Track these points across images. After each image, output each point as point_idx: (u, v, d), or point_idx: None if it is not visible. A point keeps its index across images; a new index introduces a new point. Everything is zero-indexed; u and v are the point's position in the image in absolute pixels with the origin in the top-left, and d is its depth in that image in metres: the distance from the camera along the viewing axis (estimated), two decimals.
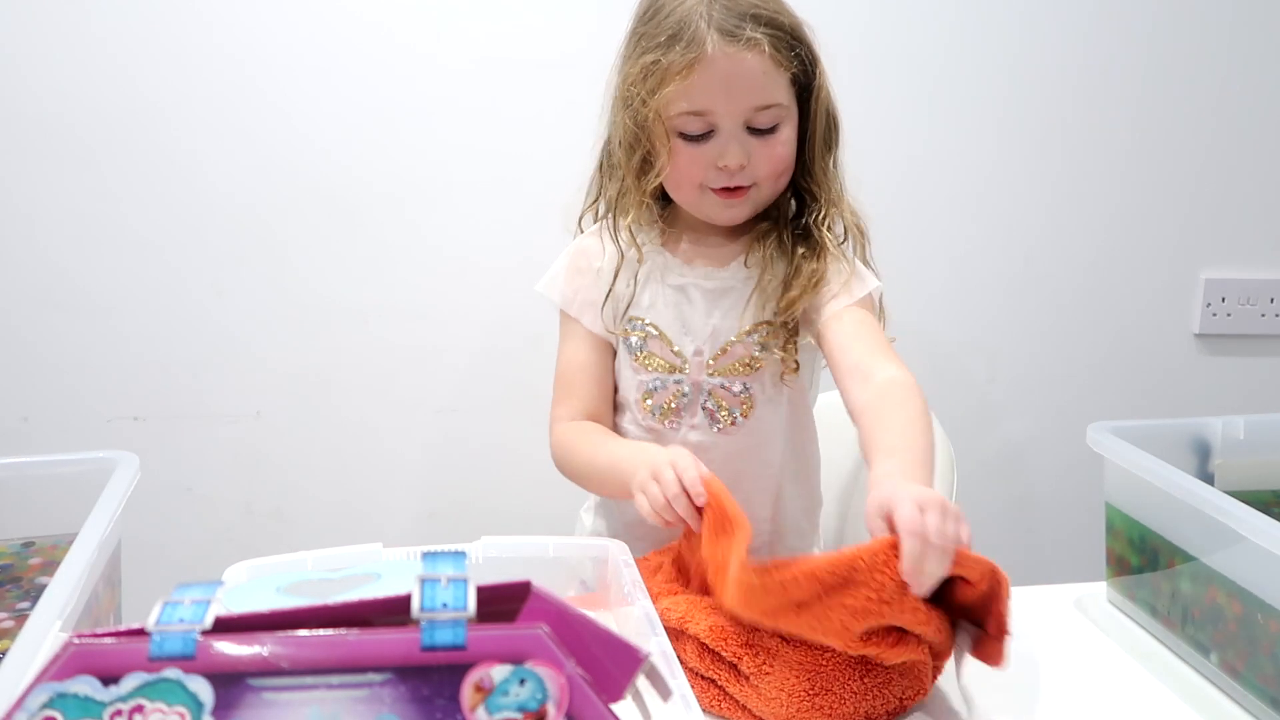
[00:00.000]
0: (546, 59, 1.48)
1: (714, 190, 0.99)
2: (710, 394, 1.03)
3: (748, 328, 1.02)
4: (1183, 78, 1.63)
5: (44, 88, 1.40)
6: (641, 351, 1.03)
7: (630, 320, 1.04)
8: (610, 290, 1.04)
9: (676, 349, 1.03)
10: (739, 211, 1.01)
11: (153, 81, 1.42)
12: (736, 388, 1.03)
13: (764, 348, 1.02)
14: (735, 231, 1.06)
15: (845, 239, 1.04)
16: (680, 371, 1.03)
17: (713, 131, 0.96)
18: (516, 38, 1.48)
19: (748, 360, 1.02)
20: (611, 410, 1.08)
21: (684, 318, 1.03)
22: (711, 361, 1.03)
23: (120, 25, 1.40)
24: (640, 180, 0.99)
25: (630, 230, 1.02)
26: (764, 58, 0.94)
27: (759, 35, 0.93)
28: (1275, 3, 1.63)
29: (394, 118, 1.48)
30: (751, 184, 0.99)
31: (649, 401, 1.04)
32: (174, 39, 1.42)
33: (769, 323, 1.02)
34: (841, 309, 0.99)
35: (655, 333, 1.03)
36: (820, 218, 1.01)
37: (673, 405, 1.03)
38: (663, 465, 0.84)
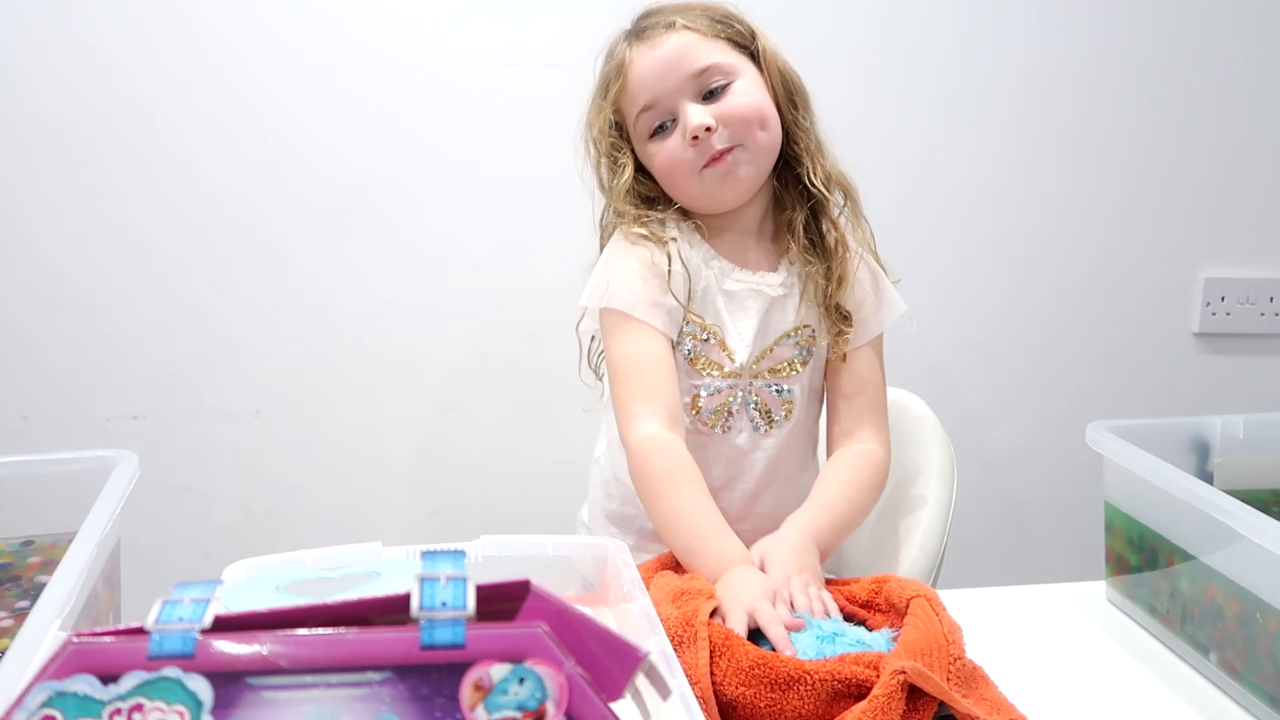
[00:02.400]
0: (544, 61, 1.48)
1: (704, 169, 1.00)
2: (757, 397, 1.04)
3: (790, 330, 1.04)
4: (1182, 77, 1.63)
5: (42, 87, 1.40)
6: (698, 357, 1.03)
7: (688, 323, 1.03)
8: (673, 285, 1.01)
9: (731, 353, 1.03)
10: (738, 183, 1.01)
11: (151, 81, 1.42)
12: (779, 390, 1.04)
13: (805, 350, 1.05)
14: (770, 231, 1.08)
15: (844, 204, 1.06)
16: (732, 377, 1.03)
17: (673, 119, 1.00)
18: (515, 39, 1.48)
19: (789, 362, 1.04)
20: (681, 404, 1.04)
21: (737, 322, 1.03)
22: (755, 364, 1.04)
23: (120, 25, 1.40)
24: (614, 178, 1.04)
25: (674, 240, 1.02)
26: (682, 33, 1.00)
27: (671, 20, 1.00)
28: (1274, 3, 1.63)
29: (393, 117, 1.48)
30: (734, 145, 0.99)
31: (700, 405, 1.04)
32: (173, 38, 1.41)
33: (808, 325, 1.05)
34: (860, 348, 1.06)
35: (711, 338, 1.03)
36: (811, 174, 1.03)
37: (724, 409, 1.04)
38: (764, 618, 0.78)
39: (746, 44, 1.02)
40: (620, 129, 1.05)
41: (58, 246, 1.45)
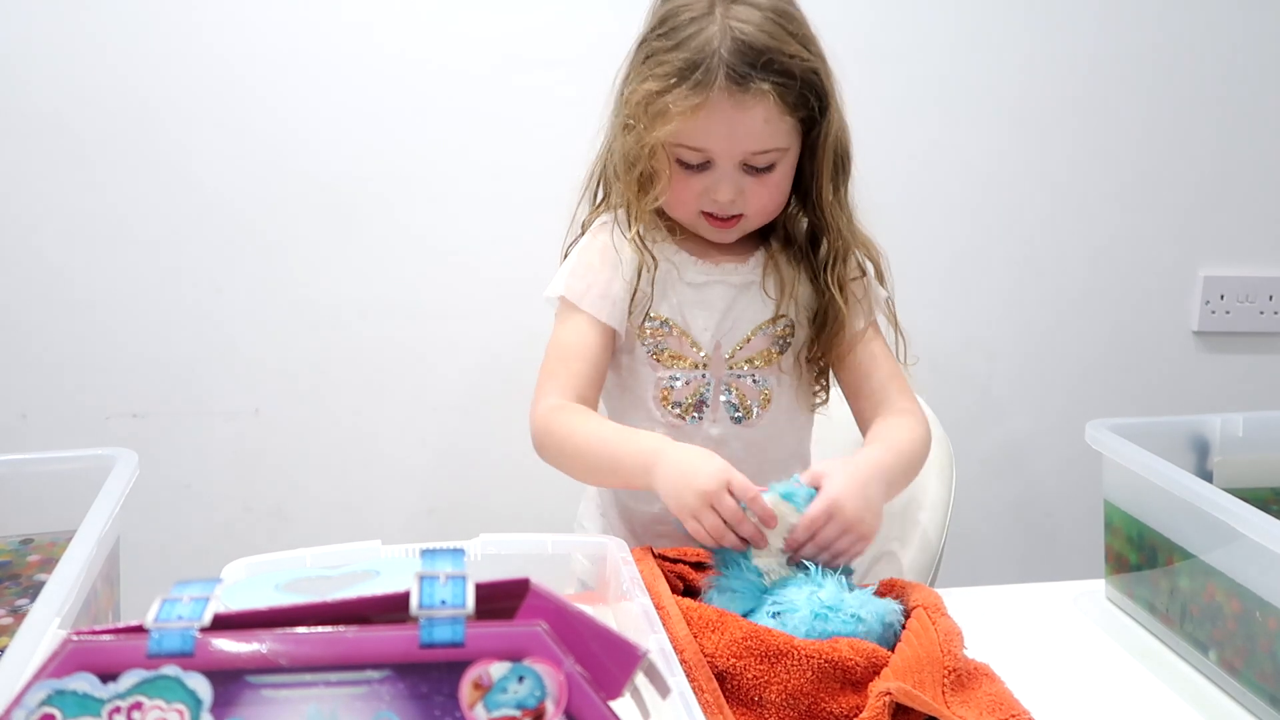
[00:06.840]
0: (546, 59, 1.48)
1: (705, 215, 1.00)
2: (730, 387, 1.04)
3: (767, 320, 1.04)
4: (1182, 76, 1.63)
5: (42, 85, 1.40)
6: (662, 350, 1.04)
7: (649, 319, 1.03)
8: (636, 291, 1.03)
9: (696, 343, 1.03)
10: (730, 235, 1.03)
11: (152, 80, 1.42)
12: (755, 380, 1.04)
13: (783, 341, 1.05)
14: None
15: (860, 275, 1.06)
16: (702, 367, 1.03)
17: (709, 163, 0.97)
18: (516, 37, 1.48)
19: (766, 353, 1.04)
20: (598, 399, 1.07)
21: (703, 313, 1.04)
22: (730, 355, 1.04)
23: (119, 24, 1.40)
24: (640, 199, 1.00)
25: (639, 238, 1.01)
26: (769, 107, 0.94)
27: (767, 87, 0.93)
28: (1275, 2, 1.63)
29: (393, 116, 1.48)
30: (742, 214, 1.00)
31: (669, 397, 1.04)
32: (173, 37, 1.41)
33: (786, 316, 1.04)
34: (859, 331, 1.05)
35: (675, 331, 1.03)
36: (837, 256, 1.03)
37: (693, 400, 1.04)
38: (720, 492, 0.83)
39: (811, 118, 0.97)
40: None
41: (57, 245, 1.45)
